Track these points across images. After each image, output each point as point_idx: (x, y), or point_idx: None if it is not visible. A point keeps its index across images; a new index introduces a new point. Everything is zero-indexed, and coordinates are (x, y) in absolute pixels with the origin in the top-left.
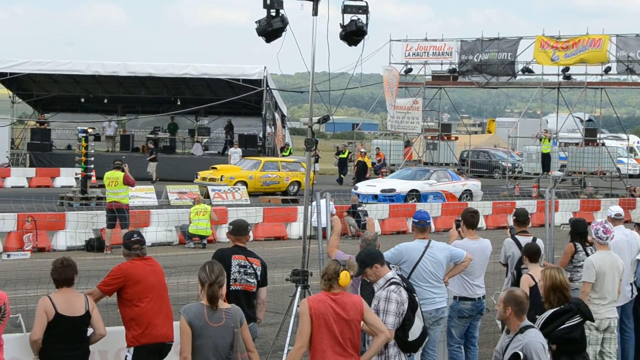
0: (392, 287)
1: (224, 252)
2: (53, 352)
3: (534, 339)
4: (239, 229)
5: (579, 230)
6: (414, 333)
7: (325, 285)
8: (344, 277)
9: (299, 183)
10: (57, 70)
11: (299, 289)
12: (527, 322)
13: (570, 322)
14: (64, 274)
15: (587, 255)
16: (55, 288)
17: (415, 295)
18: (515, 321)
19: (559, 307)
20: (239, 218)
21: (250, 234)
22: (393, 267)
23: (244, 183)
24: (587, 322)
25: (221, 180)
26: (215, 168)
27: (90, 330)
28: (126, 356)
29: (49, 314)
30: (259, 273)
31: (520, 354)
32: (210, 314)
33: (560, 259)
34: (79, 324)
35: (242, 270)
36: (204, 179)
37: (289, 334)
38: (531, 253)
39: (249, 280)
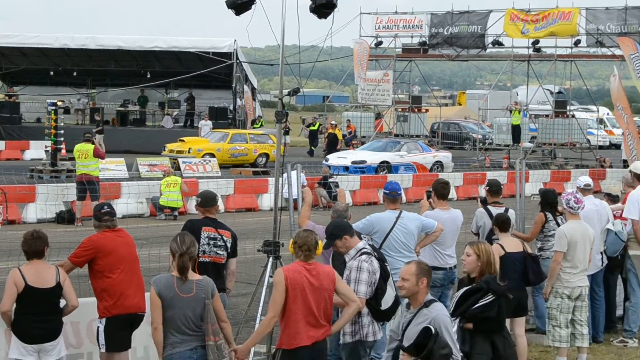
0: (364, 256)
1: (194, 224)
2: (24, 323)
3: (441, 313)
4: (207, 200)
5: (548, 200)
6: (386, 302)
7: (303, 255)
8: (319, 246)
9: (267, 155)
10: (26, 43)
11: (271, 259)
12: (430, 295)
13: (483, 300)
14: (34, 246)
15: (558, 225)
16: (23, 261)
17: (386, 264)
18: (424, 294)
19: (470, 286)
20: (207, 190)
21: (222, 205)
22: (364, 237)
23: (212, 155)
24: (559, 290)
25: (189, 152)
26: (183, 140)
27: (62, 302)
28: (98, 327)
29: (18, 286)
30: (228, 245)
31: (432, 328)
32: (180, 284)
33: (531, 229)
34: (49, 296)
35: (211, 242)
36: (171, 151)
37: (261, 304)
38: (501, 223)
39: (218, 252)
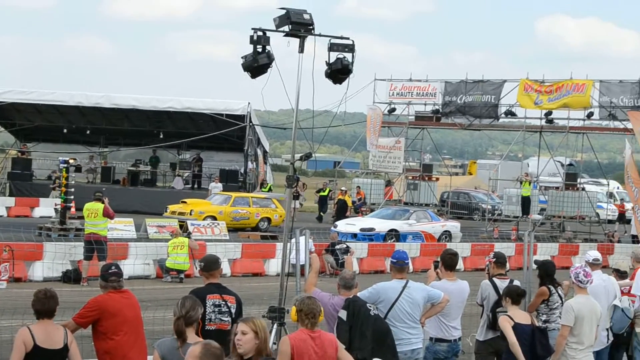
0: None
1: (199, 293)
2: None
3: None
4: (210, 264)
5: (548, 272)
6: None
7: (307, 322)
8: (321, 313)
9: (269, 219)
10: (41, 100)
11: (275, 325)
12: None
13: None
14: (46, 305)
15: (560, 297)
16: (27, 319)
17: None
18: None
19: None
20: (209, 254)
21: (229, 269)
22: (370, 306)
23: (214, 218)
24: None
25: (191, 214)
26: (185, 202)
27: None
28: None
29: (27, 345)
30: (233, 310)
31: None
32: (182, 347)
33: (531, 301)
34: (56, 357)
35: (216, 309)
36: (173, 212)
37: None
38: (515, 295)
39: (223, 318)
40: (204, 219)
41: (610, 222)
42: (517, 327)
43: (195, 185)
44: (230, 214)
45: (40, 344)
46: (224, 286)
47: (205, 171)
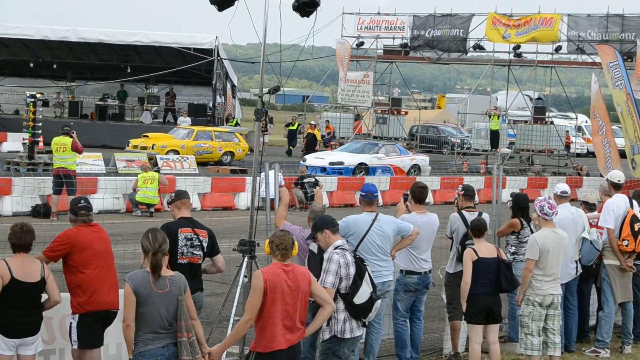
0: (337, 250)
1: (171, 227)
2: (6, 316)
3: None
4: (180, 193)
5: (520, 205)
6: (360, 297)
7: (280, 255)
8: (295, 247)
9: (232, 153)
10: (6, 34)
11: (246, 259)
12: None
13: None
14: (23, 239)
15: (532, 231)
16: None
17: (366, 264)
18: None
19: None
20: (177, 189)
21: (199, 203)
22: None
23: (176, 152)
24: (530, 298)
25: (152, 148)
26: (147, 136)
27: (44, 297)
28: (71, 323)
29: (4, 278)
30: (204, 244)
31: None
32: (155, 281)
33: (500, 228)
34: (33, 290)
35: (188, 243)
36: (135, 146)
37: (235, 304)
38: (475, 228)
39: (194, 252)
40: (166, 153)
41: (578, 155)
42: (480, 262)
43: (168, 120)
44: (193, 148)
45: (18, 277)
46: (196, 220)
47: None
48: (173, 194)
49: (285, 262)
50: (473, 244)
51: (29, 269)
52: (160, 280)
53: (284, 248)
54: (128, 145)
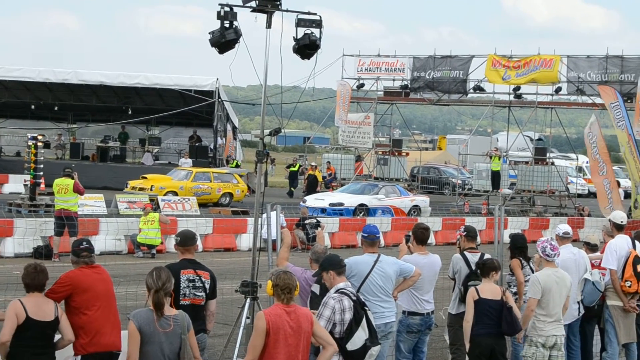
0: (335, 294)
1: (172, 268)
2: (20, 356)
3: None
4: (186, 240)
5: (517, 245)
6: (353, 343)
7: (283, 297)
8: (297, 288)
9: (231, 195)
10: (8, 76)
11: (248, 300)
12: None
13: None
14: (37, 279)
15: (532, 270)
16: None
17: (367, 309)
18: None
19: None
20: (186, 229)
21: (200, 245)
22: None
23: (175, 193)
24: (533, 339)
25: (151, 190)
26: (146, 177)
27: (57, 337)
28: None
29: (19, 317)
30: (207, 286)
31: None
32: (158, 319)
33: (517, 276)
34: (47, 329)
35: (190, 284)
36: (134, 188)
37: (238, 345)
38: (482, 267)
39: (197, 294)
40: (164, 195)
41: (580, 196)
42: (481, 302)
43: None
44: (192, 189)
45: (32, 316)
46: (198, 262)
47: (175, 147)
48: (179, 237)
49: (288, 304)
50: (476, 284)
51: (43, 308)
52: (164, 319)
53: (289, 291)
54: (127, 187)
